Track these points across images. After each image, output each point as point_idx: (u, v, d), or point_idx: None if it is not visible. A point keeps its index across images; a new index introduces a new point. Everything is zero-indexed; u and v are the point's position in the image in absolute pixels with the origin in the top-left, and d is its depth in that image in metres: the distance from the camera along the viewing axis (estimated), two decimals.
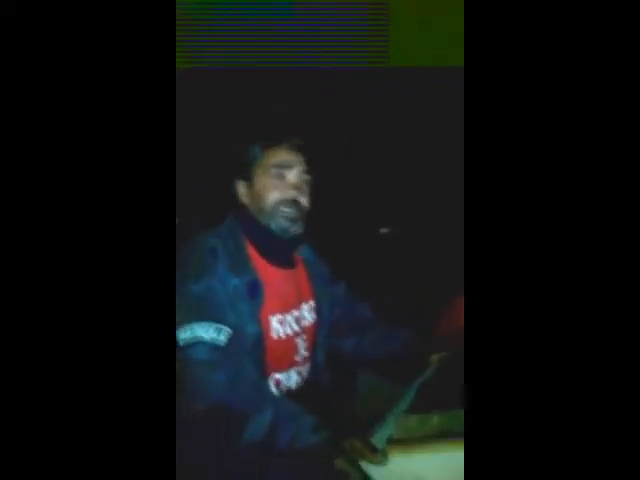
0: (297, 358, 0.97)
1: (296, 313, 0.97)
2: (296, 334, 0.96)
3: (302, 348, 0.98)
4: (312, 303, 1.03)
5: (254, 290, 0.88)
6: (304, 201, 0.96)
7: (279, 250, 0.96)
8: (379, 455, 0.59)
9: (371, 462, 0.58)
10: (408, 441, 0.66)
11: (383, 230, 3.31)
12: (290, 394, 0.95)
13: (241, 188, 0.97)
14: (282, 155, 0.94)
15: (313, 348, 1.02)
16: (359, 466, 0.57)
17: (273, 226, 0.93)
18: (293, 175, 0.94)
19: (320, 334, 1.03)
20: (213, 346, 0.77)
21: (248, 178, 0.96)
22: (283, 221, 0.93)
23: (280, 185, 0.93)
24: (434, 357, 0.91)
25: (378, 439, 0.63)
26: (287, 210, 0.93)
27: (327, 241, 1.13)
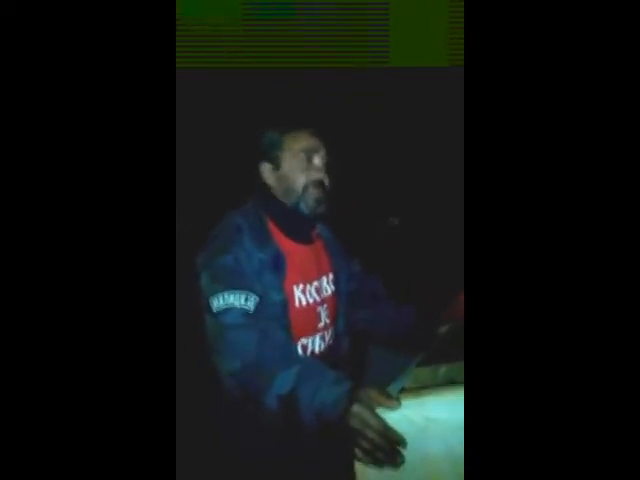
0: (320, 325, 1.04)
1: (316, 284, 1.05)
2: (317, 303, 1.04)
3: (324, 316, 1.05)
4: (331, 276, 1.11)
5: (277, 262, 0.96)
6: (327, 183, 1.02)
7: (300, 227, 1.04)
8: (393, 401, 0.64)
9: (386, 407, 0.63)
10: (418, 389, 0.73)
11: (392, 220, 3.37)
12: (314, 356, 1.02)
13: (266, 171, 1.02)
14: (307, 140, 1.00)
15: (334, 317, 1.09)
16: (375, 411, 0.62)
17: (302, 206, 1.00)
18: (319, 159, 1.01)
19: (340, 304, 1.11)
20: (243, 311, 0.85)
21: (274, 161, 1.01)
22: (312, 201, 0.99)
23: (308, 168, 0.99)
24: (441, 329, 1.00)
25: (392, 389, 0.70)
26: (315, 191, 0.99)
27: (338, 224, 1.21)
